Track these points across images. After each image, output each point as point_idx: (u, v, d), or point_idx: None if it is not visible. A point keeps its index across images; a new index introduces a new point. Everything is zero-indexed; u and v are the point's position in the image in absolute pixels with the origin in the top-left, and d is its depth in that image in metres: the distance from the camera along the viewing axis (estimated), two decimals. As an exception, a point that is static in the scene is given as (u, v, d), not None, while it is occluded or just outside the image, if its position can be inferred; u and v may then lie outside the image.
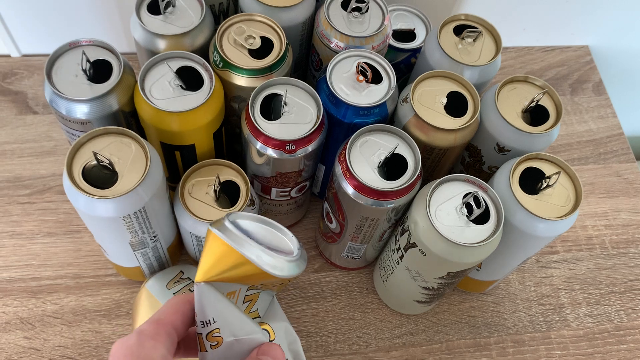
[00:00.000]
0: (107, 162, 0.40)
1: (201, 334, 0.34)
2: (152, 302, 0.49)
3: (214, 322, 0.33)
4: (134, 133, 0.41)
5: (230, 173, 0.47)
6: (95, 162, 0.40)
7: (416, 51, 0.56)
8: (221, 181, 0.46)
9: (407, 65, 0.57)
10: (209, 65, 0.46)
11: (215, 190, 0.45)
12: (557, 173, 0.44)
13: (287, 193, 0.52)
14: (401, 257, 0.49)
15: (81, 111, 0.44)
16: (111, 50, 0.45)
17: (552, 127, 0.48)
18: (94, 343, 0.52)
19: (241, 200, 0.46)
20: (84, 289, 0.55)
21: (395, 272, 0.51)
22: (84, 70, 0.43)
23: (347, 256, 0.56)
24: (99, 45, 0.45)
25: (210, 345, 0.33)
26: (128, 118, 0.47)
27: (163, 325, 0.32)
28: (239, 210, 0.45)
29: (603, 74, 0.77)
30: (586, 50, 0.78)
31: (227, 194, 0.48)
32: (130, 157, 0.41)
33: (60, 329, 0.53)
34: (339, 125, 0.48)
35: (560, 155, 0.69)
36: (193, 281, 0.49)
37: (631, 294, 0.61)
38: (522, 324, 0.58)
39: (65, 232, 0.57)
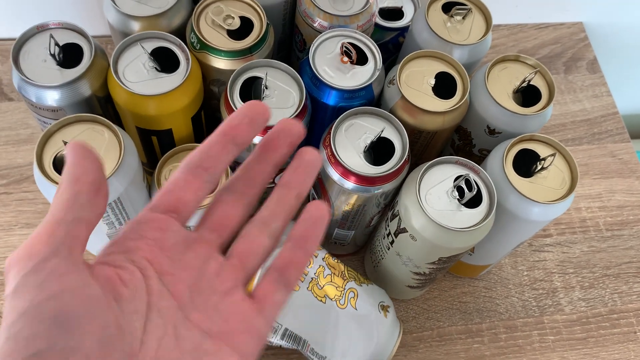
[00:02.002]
0: None
1: None
2: None
3: None
4: (107, 120, 0.39)
5: None
6: (67, 151, 0.38)
7: (404, 30, 0.54)
8: None
9: (395, 45, 0.55)
10: (185, 46, 0.43)
11: None
12: (552, 155, 0.43)
13: (272, 180, 0.50)
14: (391, 243, 0.47)
15: (52, 98, 0.42)
16: (81, 33, 0.43)
17: (544, 107, 0.46)
18: (75, 337, 0.51)
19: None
20: (65, 282, 0.53)
21: (386, 258, 0.50)
22: (53, 55, 0.41)
23: (335, 242, 0.54)
24: (68, 28, 0.43)
25: None
26: (103, 103, 0.45)
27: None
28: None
29: (597, 51, 0.75)
30: (580, 27, 0.76)
31: None
32: (103, 145, 0.39)
33: (41, 323, 0.51)
34: (323, 109, 0.46)
35: (554, 135, 0.68)
36: None
37: (625, 276, 0.60)
38: (514, 309, 0.57)
39: (45, 223, 0.56)
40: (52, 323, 0.20)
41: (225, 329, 0.24)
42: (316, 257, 0.49)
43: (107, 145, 0.39)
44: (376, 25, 0.53)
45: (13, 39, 0.42)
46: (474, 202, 0.42)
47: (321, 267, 0.49)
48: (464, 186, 0.41)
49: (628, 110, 0.89)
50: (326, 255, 0.50)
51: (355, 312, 0.47)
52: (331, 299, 0.48)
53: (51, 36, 0.41)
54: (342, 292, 0.48)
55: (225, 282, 0.24)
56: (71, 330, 0.20)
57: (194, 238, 0.25)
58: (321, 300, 0.47)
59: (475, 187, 0.41)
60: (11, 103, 0.61)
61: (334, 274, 0.49)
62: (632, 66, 0.83)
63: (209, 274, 0.24)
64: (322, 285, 0.48)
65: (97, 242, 0.46)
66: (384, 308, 0.49)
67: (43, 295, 0.20)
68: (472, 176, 0.42)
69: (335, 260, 0.50)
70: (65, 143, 0.37)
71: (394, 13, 0.55)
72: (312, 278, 0.48)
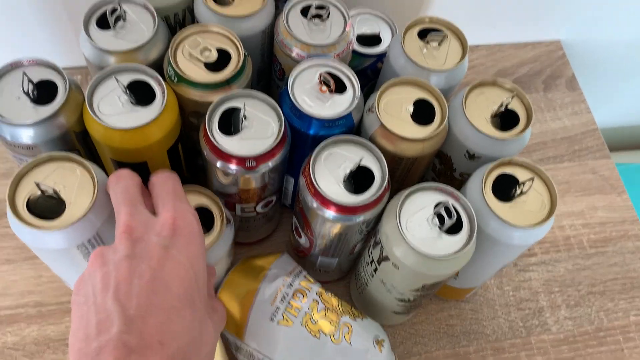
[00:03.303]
0: (52, 191, 0.37)
1: None
2: None
3: None
4: (78, 157, 0.39)
5: (199, 199, 0.44)
6: (40, 192, 0.38)
7: (382, 56, 0.54)
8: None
9: (374, 71, 0.55)
10: (161, 79, 0.43)
11: None
12: (530, 179, 0.43)
13: (253, 209, 0.50)
14: (375, 270, 0.47)
15: (27, 135, 0.41)
16: (55, 68, 0.43)
17: (522, 131, 0.46)
18: (57, 374, 0.50)
19: (217, 225, 0.43)
20: (47, 318, 0.52)
21: (371, 285, 0.49)
22: (26, 93, 0.41)
23: (320, 270, 0.54)
24: (42, 64, 0.43)
25: None
26: (81, 138, 0.45)
27: None
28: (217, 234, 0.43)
29: (576, 68, 0.76)
30: (558, 44, 0.77)
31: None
32: (76, 182, 0.39)
33: (22, 361, 0.50)
34: (304, 138, 0.46)
35: (535, 154, 0.68)
36: None
37: (610, 293, 0.60)
38: (501, 330, 0.57)
39: (25, 258, 0.55)
40: None
41: None
42: (310, 291, 0.49)
43: (79, 182, 0.39)
44: (354, 52, 0.53)
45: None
46: (455, 229, 0.42)
47: (315, 301, 0.48)
48: (444, 213, 0.41)
49: (607, 123, 0.90)
50: (320, 290, 0.49)
51: (350, 347, 0.47)
52: (325, 334, 0.47)
53: (24, 74, 0.40)
54: (337, 326, 0.47)
55: None
56: None
57: None
58: (315, 336, 0.47)
59: (455, 214, 0.41)
60: (-11, 136, 0.60)
61: (328, 308, 0.48)
62: (610, 82, 0.84)
63: None
64: (316, 320, 0.47)
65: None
66: (379, 342, 0.48)
67: None
68: (452, 202, 0.42)
69: (329, 295, 0.49)
70: (37, 184, 0.37)
71: (372, 39, 0.55)
72: (305, 313, 0.47)
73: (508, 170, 0.45)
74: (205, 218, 0.45)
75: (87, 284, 0.32)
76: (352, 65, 0.53)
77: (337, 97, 0.46)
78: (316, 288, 0.49)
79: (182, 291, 0.31)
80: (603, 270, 0.61)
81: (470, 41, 0.50)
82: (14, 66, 0.42)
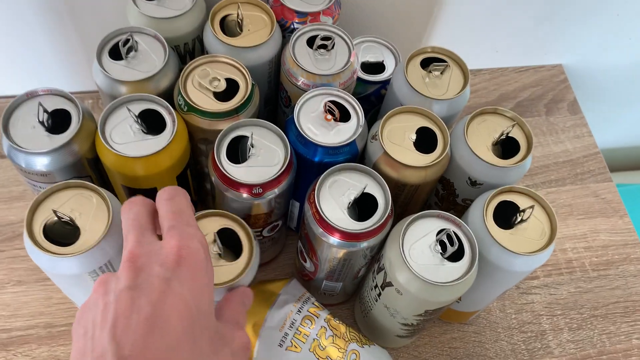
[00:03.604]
0: (68, 218, 0.39)
1: None
2: None
3: None
4: (94, 185, 0.40)
5: (222, 221, 0.44)
6: (57, 218, 0.39)
7: (386, 83, 0.56)
8: (217, 231, 0.43)
9: (378, 97, 0.57)
10: (171, 108, 0.45)
11: (219, 247, 0.42)
12: (530, 207, 0.44)
13: (259, 233, 0.51)
14: (379, 295, 0.48)
15: (41, 163, 0.43)
16: (69, 98, 0.44)
17: (523, 159, 0.47)
18: (66, 395, 0.51)
19: (245, 250, 0.43)
20: (57, 339, 0.53)
21: (374, 309, 0.50)
22: (41, 122, 0.42)
23: (325, 293, 0.55)
24: (57, 94, 0.44)
25: None
26: (93, 164, 0.46)
27: None
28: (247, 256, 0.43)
29: (577, 92, 0.77)
30: (560, 69, 0.79)
31: (223, 243, 0.44)
32: (92, 210, 0.40)
33: (32, 382, 0.51)
34: (309, 165, 0.47)
35: (538, 177, 0.69)
36: None
37: (613, 317, 0.60)
38: (504, 353, 0.57)
39: (36, 280, 0.56)
40: None
41: None
42: (318, 317, 0.50)
43: (95, 209, 0.40)
44: (359, 79, 0.54)
45: (6, 97, 0.43)
46: (457, 256, 0.43)
47: (323, 328, 0.49)
48: (446, 240, 0.42)
49: (608, 144, 0.91)
50: (328, 317, 0.50)
51: None
52: None
53: (40, 104, 0.42)
54: (344, 353, 0.48)
55: None
56: None
57: None
58: None
59: (457, 241, 0.42)
60: (3, 160, 0.62)
61: (336, 335, 0.49)
62: (611, 104, 0.85)
63: None
64: (324, 347, 0.48)
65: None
66: None
67: None
68: (454, 230, 0.43)
69: (337, 321, 0.50)
70: (54, 211, 0.38)
71: (376, 67, 0.57)
72: (314, 339, 0.48)
73: (509, 197, 0.46)
74: (232, 240, 0.44)
75: (89, 314, 0.32)
76: (356, 92, 0.54)
77: (342, 125, 0.47)
78: (324, 314, 0.50)
79: (181, 328, 0.30)
80: (605, 294, 0.62)
81: (473, 65, 0.51)
82: (29, 96, 0.44)
